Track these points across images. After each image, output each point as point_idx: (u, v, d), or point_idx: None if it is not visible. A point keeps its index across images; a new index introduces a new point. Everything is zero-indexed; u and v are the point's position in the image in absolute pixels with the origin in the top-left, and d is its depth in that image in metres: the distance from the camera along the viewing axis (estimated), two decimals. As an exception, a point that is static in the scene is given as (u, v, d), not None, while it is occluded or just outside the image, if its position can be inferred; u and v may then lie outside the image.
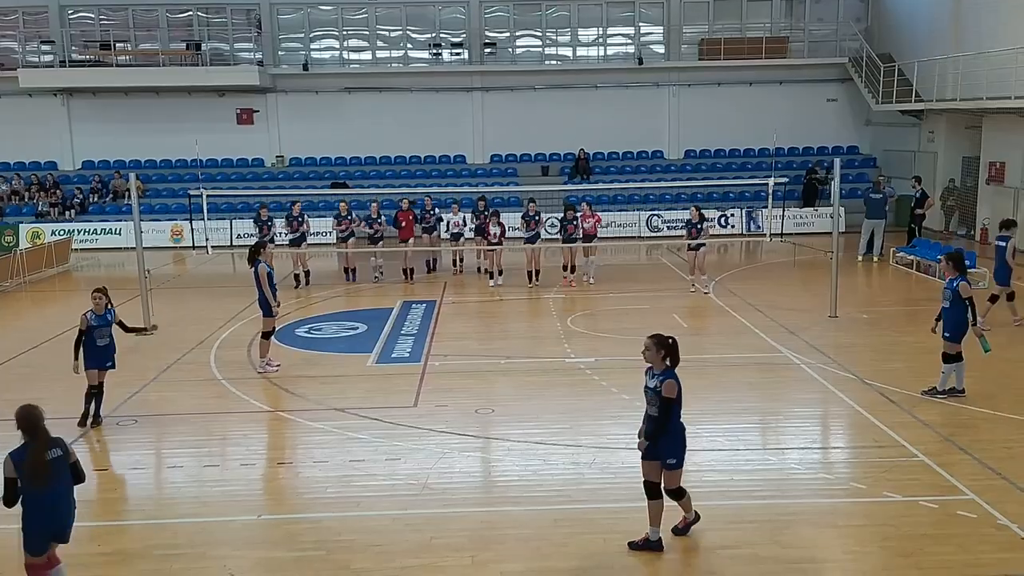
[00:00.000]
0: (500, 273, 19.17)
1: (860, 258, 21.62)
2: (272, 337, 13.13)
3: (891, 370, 12.31)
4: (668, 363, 7.26)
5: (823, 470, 9.16)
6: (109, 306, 10.77)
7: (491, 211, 19.29)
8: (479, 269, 20.49)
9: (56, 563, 6.41)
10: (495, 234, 18.84)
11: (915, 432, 9.91)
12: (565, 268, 19.11)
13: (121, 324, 10.97)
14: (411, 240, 19.91)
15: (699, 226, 17.86)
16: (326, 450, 9.89)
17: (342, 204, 20.44)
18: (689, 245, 18.14)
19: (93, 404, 10.62)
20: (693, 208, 18.21)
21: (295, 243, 19.51)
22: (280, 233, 20.01)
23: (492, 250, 19.13)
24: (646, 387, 7.39)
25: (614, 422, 10.49)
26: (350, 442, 10.06)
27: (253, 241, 16.09)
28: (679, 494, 7.46)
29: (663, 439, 7.25)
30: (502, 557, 7.35)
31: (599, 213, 19.63)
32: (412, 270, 19.95)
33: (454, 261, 20.95)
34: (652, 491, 7.38)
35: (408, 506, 8.33)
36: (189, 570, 7.25)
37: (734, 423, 10.49)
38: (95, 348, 10.57)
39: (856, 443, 9.99)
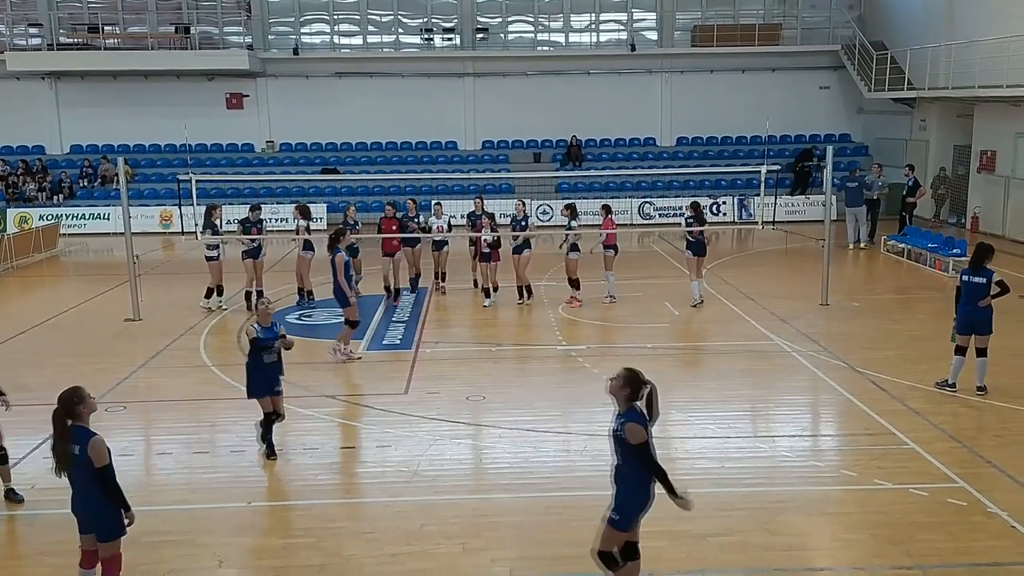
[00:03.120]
0: (495, 290, 16.11)
1: (851, 246, 21.69)
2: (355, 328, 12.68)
3: (882, 358, 12.33)
4: (631, 402, 6.08)
5: (813, 458, 9.18)
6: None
7: (486, 214, 16.27)
8: (475, 283, 17.09)
9: (90, 565, 6.40)
10: (486, 241, 15.83)
11: (905, 420, 9.94)
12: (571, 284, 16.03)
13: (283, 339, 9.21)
14: (398, 254, 16.71)
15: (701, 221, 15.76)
16: (316, 437, 9.86)
17: (296, 208, 17.04)
18: (698, 251, 15.52)
19: (268, 432, 9.21)
20: (689, 204, 16.27)
21: (252, 254, 15.85)
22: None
23: (487, 262, 16.01)
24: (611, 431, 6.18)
25: (605, 409, 10.40)
26: (341, 429, 10.03)
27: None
28: (612, 562, 6.18)
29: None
30: (493, 544, 7.34)
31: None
32: (398, 290, 16.74)
33: (437, 276, 17.35)
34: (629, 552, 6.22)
35: (399, 493, 8.31)
36: (178, 557, 7.21)
37: (725, 411, 10.50)
38: (261, 367, 9.07)
39: (846, 431, 10.01)
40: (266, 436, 9.16)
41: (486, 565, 7.04)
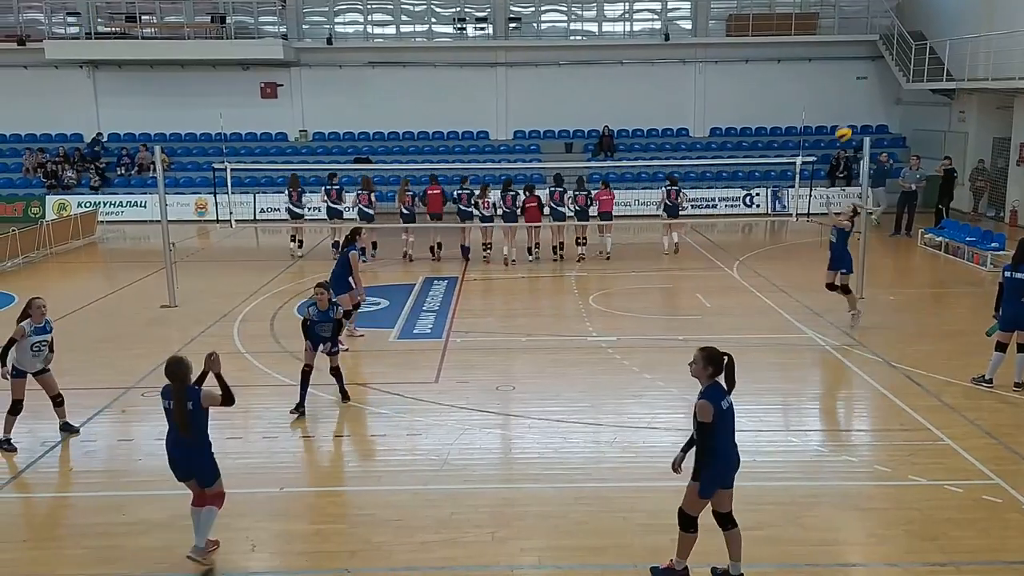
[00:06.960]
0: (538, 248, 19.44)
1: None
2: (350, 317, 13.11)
3: (917, 353, 12.17)
4: (714, 379, 6.28)
5: (847, 452, 9.08)
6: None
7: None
8: (506, 262, 19.04)
9: (202, 504, 7.03)
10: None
11: (941, 416, 9.81)
12: (578, 243, 19.74)
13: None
14: (442, 216, 19.94)
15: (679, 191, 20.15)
16: (348, 424, 9.93)
17: (365, 178, 20.39)
18: (673, 213, 20.03)
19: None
20: (668, 176, 21.10)
21: (337, 214, 20.17)
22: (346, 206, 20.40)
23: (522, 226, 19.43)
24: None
25: (635, 401, 10.46)
26: (371, 417, 10.10)
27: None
28: (686, 523, 6.55)
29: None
30: (522, 534, 7.36)
31: (615, 191, 20.53)
32: (440, 244, 19.69)
33: (487, 246, 19.68)
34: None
35: (429, 481, 8.35)
36: (212, 541, 7.30)
37: (757, 404, 10.40)
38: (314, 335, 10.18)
39: (881, 426, 9.90)
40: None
41: (515, 554, 7.07)
